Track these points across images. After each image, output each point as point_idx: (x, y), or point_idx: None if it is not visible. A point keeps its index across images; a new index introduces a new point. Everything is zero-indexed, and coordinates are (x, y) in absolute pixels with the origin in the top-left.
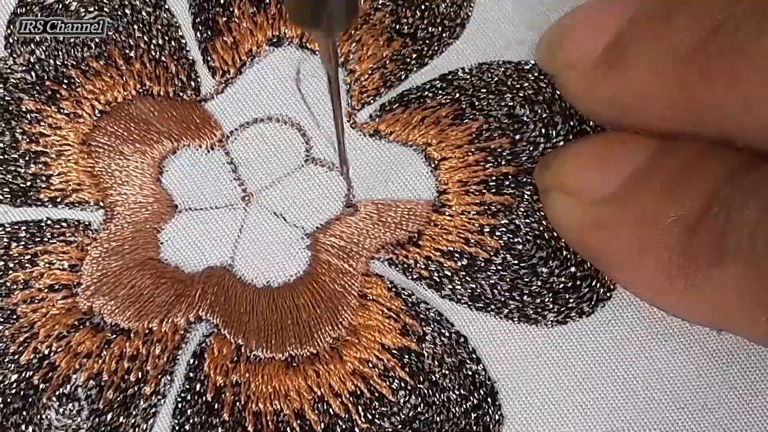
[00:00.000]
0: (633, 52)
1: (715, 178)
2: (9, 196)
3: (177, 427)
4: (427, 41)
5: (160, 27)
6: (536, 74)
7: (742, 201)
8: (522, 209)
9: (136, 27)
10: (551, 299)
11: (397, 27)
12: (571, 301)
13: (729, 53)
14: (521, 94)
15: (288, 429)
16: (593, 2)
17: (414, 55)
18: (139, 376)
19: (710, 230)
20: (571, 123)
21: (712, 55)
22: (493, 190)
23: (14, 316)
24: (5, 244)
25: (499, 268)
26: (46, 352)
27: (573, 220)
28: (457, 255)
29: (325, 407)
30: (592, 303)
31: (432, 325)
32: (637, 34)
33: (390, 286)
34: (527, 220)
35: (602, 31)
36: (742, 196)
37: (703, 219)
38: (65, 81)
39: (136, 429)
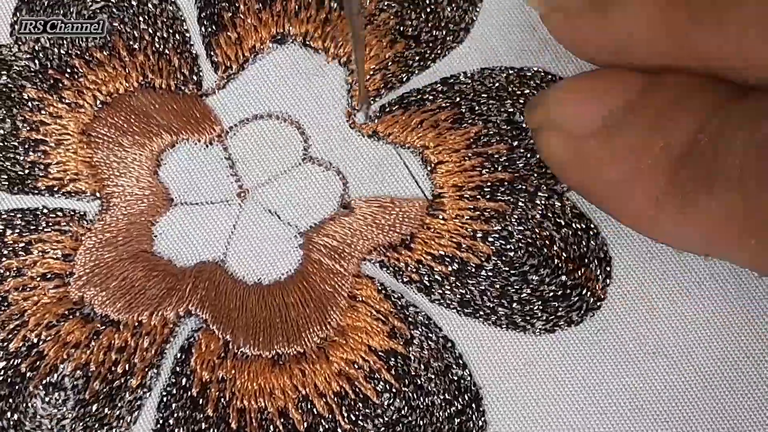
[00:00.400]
0: None
1: (704, 109)
2: (6, 183)
3: (161, 421)
4: (431, 44)
5: (165, 20)
6: (538, 81)
7: (731, 131)
8: (516, 216)
9: (141, 19)
10: (540, 307)
11: (402, 29)
12: (561, 309)
13: None
14: (522, 101)
15: (271, 427)
16: None
17: (417, 58)
18: (126, 368)
19: (699, 160)
20: None
21: None
22: (488, 196)
23: (5, 304)
24: (0, 231)
25: (490, 274)
26: (35, 340)
27: (563, 155)
28: (448, 260)
29: (309, 407)
30: (582, 312)
31: (420, 329)
32: None
33: (380, 288)
34: (520, 227)
35: None
36: (731, 126)
37: (691, 149)
38: (68, 70)
39: (121, 421)
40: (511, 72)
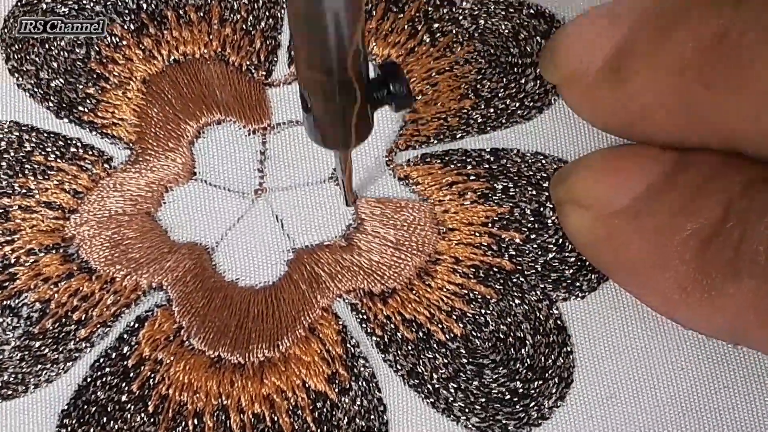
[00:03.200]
0: (634, 63)
1: (731, 192)
2: (57, 106)
3: (89, 379)
4: (499, 111)
5: (267, 1)
6: None
7: (758, 214)
8: (499, 307)
9: None
10: (482, 404)
11: (478, 87)
12: (501, 414)
13: (732, 63)
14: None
15: (182, 424)
16: (594, 10)
17: (479, 120)
18: (82, 318)
19: (725, 244)
20: None
21: (714, 66)
22: (481, 278)
23: (4, 216)
24: (30, 148)
25: (449, 354)
26: (13, 261)
27: (586, 233)
28: (415, 326)
29: (224, 418)
30: (520, 424)
31: (360, 384)
32: (637, 44)
33: (341, 330)
34: (498, 320)
35: (603, 42)
36: (758, 210)
37: (718, 233)
38: (158, 19)
39: (55, 365)
40: (562, 166)
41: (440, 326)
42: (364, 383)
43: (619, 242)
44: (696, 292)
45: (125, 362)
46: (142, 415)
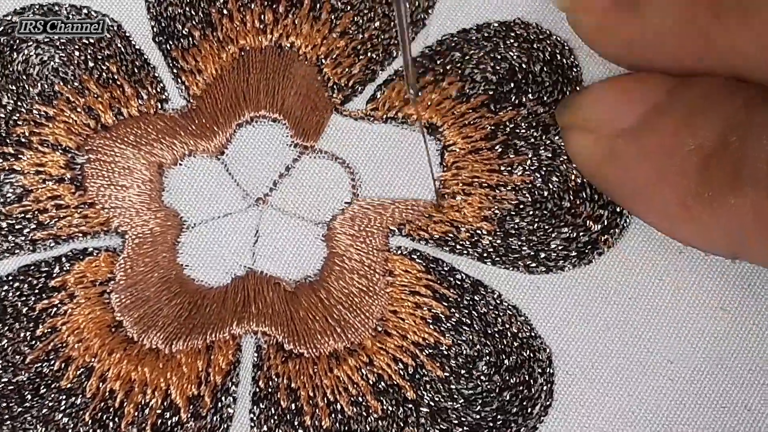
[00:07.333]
0: None
1: (731, 110)
2: (159, 29)
3: (10, 278)
4: (510, 250)
5: (393, 37)
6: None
7: (757, 131)
8: (375, 425)
9: (378, 24)
10: None
11: (507, 218)
12: None
13: None
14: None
15: (52, 361)
16: None
17: (487, 248)
18: (45, 222)
19: (727, 158)
20: None
21: None
22: (378, 389)
23: (49, 101)
24: (110, 54)
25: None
26: (27, 143)
27: (590, 154)
28: (293, 397)
29: (84, 377)
30: None
31: (215, 419)
32: None
33: (233, 362)
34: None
35: None
36: (757, 127)
37: (719, 148)
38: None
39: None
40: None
41: (314, 410)
42: (218, 420)
43: (623, 162)
44: (697, 205)
45: (47, 282)
46: (27, 334)
